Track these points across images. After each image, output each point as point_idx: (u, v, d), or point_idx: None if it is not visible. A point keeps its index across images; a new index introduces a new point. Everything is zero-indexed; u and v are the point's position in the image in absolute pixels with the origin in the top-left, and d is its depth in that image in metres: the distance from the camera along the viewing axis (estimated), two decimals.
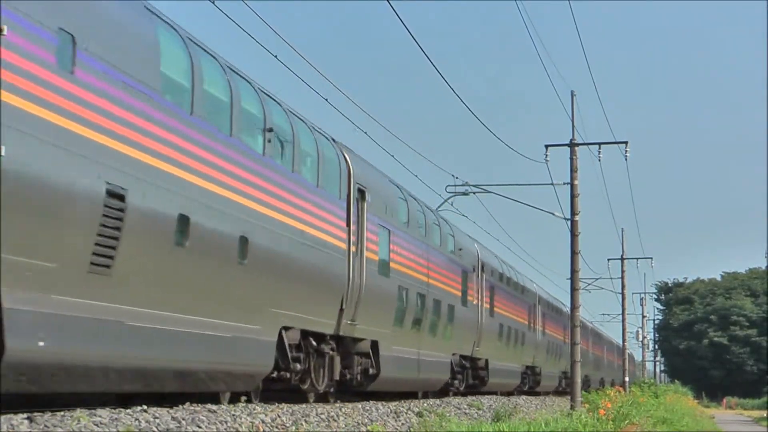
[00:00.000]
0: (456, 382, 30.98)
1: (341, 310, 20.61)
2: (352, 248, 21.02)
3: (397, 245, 24.11)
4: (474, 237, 36.61)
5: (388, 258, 23.55)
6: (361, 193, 21.82)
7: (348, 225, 20.90)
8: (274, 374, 18.30)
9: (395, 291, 23.90)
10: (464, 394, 34.18)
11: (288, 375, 18.60)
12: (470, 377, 33.26)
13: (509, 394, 41.94)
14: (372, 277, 22.17)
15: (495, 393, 39.21)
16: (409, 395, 27.96)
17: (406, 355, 25.11)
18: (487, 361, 34.87)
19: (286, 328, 18.24)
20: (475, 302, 32.57)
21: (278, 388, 19.80)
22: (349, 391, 23.05)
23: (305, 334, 19.32)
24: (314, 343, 19.74)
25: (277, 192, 17.36)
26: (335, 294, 20.21)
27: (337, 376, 21.21)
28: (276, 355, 18.00)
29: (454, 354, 30.36)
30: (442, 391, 31.35)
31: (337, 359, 21.26)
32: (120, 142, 12.53)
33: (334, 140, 21.36)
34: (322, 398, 21.58)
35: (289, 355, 18.26)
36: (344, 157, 21.28)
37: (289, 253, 17.76)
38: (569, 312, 59.50)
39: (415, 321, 25.98)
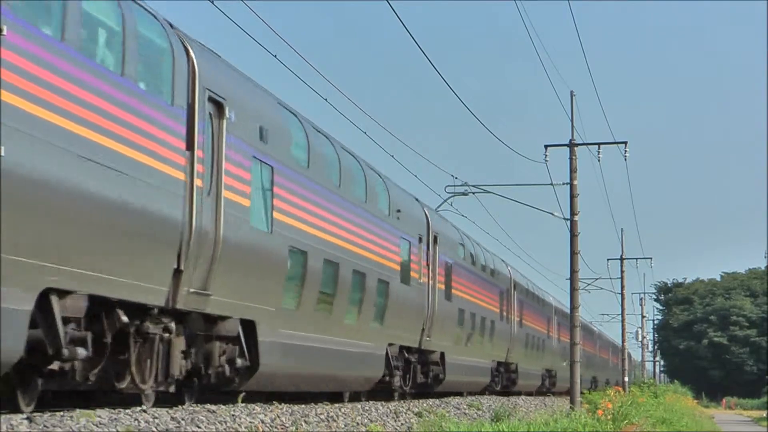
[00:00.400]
0: (396, 379, 24.07)
1: (178, 271, 13.72)
2: (198, 183, 14.12)
3: (287, 190, 17.15)
4: (437, 211, 29.70)
5: (270, 205, 16.54)
6: (218, 106, 14.87)
7: (191, 148, 14.05)
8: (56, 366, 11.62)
9: (283, 252, 16.87)
10: (415, 396, 27.39)
11: (67, 366, 11.82)
12: (419, 374, 26.36)
13: (478, 394, 35.02)
14: (238, 228, 15.15)
15: (459, 394, 32.34)
16: (324, 396, 21.22)
17: (306, 342, 18.18)
18: (443, 354, 27.95)
19: (59, 293, 11.44)
20: (422, 281, 25.63)
21: (81, 389, 13.14)
22: (213, 390, 16.29)
23: (105, 304, 12.52)
24: (124, 318, 12.90)
25: (17, 62, 10.50)
26: (162, 246, 13.05)
27: (177, 371, 14.32)
28: (40, 334, 11.23)
29: (391, 344, 23.44)
30: (386, 393, 24.58)
31: (179, 345, 14.38)
32: None
33: (171, 26, 14.46)
34: (174, 401, 14.82)
35: (62, 334, 11.44)
36: (185, 48, 14.28)
37: (52, 169, 10.89)
38: (552, 302, 52.76)
39: (323, 298, 19.09)
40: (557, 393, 51.87)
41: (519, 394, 41.12)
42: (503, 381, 37.63)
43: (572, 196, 31.45)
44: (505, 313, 36.72)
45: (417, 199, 26.51)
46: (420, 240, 25.39)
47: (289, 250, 17.08)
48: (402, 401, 22.78)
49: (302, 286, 17.74)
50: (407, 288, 24.07)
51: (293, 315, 17.50)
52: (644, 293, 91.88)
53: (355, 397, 22.73)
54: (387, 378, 23.41)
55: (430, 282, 26.16)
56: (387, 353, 23.04)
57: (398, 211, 23.54)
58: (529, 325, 42.14)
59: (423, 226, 25.88)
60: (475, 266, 32.04)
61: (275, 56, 17.72)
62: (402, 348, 24.48)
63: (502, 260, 38.98)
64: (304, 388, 18.90)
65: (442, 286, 27.39)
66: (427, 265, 25.98)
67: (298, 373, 17.99)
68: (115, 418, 11.10)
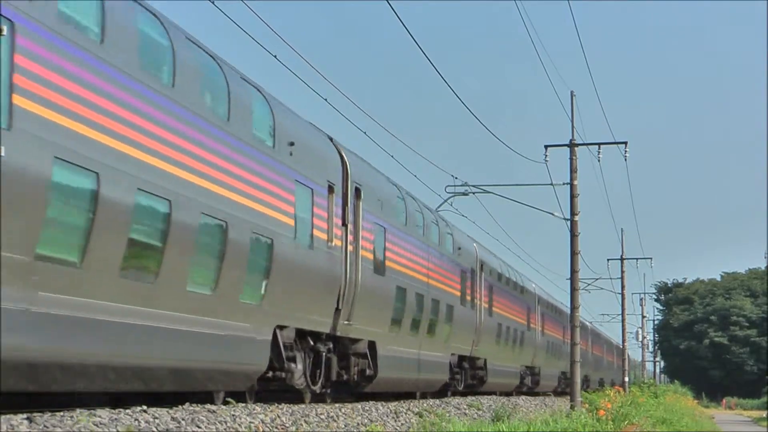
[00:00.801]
0: (296, 375, 17.53)
1: None
2: None
3: (44, 63, 10.50)
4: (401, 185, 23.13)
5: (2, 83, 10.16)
6: None
7: None
8: None
9: (27, 163, 10.02)
10: (337, 398, 20.87)
11: None
12: (334, 369, 19.74)
13: (436, 396, 28.49)
14: None
15: (410, 395, 25.83)
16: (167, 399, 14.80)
17: (101, 314, 11.64)
18: (372, 344, 21.39)
19: None
20: (335, 244, 18.97)
21: None
22: None
23: None
24: None
25: None
26: None
27: None
28: None
29: (283, 327, 16.63)
30: (296, 394, 18.18)
31: None
32: None
33: None
34: None
35: None
36: None
37: None
38: (535, 290, 45.99)
39: (139, 250, 12.48)
40: (540, 393, 45.39)
41: (491, 393, 34.51)
42: (467, 379, 30.91)
43: (572, 197, 30.59)
44: (468, 298, 29.98)
45: (331, 139, 19.91)
46: (331, 190, 18.76)
47: (54, 161, 10.55)
48: (402, 401, 21.42)
49: (88, 226, 11.18)
50: (308, 251, 17.46)
51: (66, 270, 10.92)
52: (644, 293, 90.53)
53: (238, 398, 16.24)
54: (282, 374, 16.89)
55: (350, 248, 19.54)
56: (277, 338, 16.49)
57: (291, 144, 16.94)
58: (503, 313, 35.33)
59: (337, 173, 19.24)
60: (424, 235, 25.45)
61: (275, 56, 17.09)
62: (304, 333, 17.91)
63: (468, 236, 32.41)
64: (100, 387, 12.27)
65: (370, 255, 20.74)
66: (345, 225, 19.40)
67: (80, 363, 11.43)
68: (116, 418, 10.75)
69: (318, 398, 19.20)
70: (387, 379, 21.82)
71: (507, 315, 35.98)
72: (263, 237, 15.49)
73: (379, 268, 21.27)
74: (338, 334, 19.15)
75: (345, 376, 20.02)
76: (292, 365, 16.97)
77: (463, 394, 30.46)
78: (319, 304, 18.01)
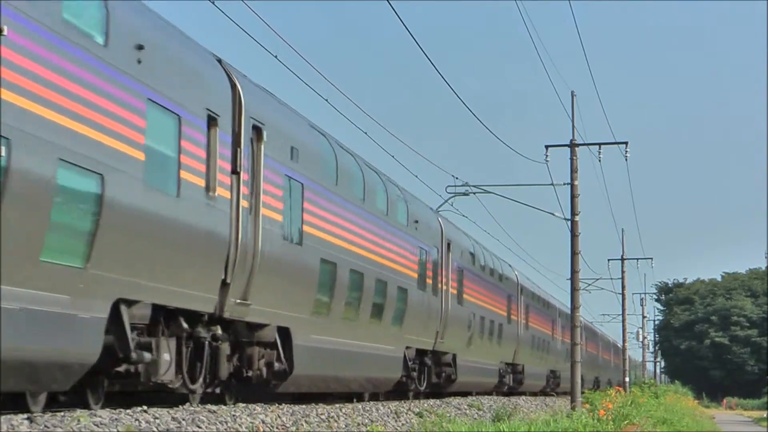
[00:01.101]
0: (162, 369, 12.77)
1: None
2: None
3: None
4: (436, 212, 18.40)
5: None
6: None
7: None
8: None
9: None
10: (252, 398, 16.18)
11: None
12: (224, 363, 14.92)
13: (391, 398, 23.75)
14: None
15: (355, 396, 21.12)
16: None
17: None
18: (286, 332, 16.56)
19: None
20: (221, 196, 13.63)
21: None
22: None
23: None
24: None
25: None
26: None
27: None
28: None
29: (131, 303, 12.04)
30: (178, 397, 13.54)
31: None
32: None
33: None
34: None
35: None
36: None
37: None
38: (517, 279, 41.03)
39: None
40: (526, 393, 40.59)
41: (463, 394, 29.75)
42: (431, 377, 26.07)
43: (573, 197, 30.48)
44: (429, 281, 25.05)
45: (220, 61, 15.11)
46: (213, 122, 13.95)
47: None
48: (403, 401, 21.30)
49: None
50: (170, 199, 12.57)
51: None
52: (645, 293, 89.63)
53: (78, 401, 11.61)
54: (133, 367, 12.18)
55: (243, 203, 14.56)
56: (120, 317, 11.77)
57: (139, 48, 12.12)
58: (476, 302, 30.39)
59: (224, 102, 14.19)
60: (365, 201, 20.65)
61: (275, 56, 16.92)
62: (174, 314, 13.17)
63: (432, 209, 27.66)
64: None
65: (277, 216, 15.76)
66: (236, 172, 14.55)
67: None
68: (116, 418, 10.63)
69: (211, 399, 14.51)
70: (308, 376, 17.04)
71: (482, 304, 31.08)
72: (84, 169, 10.74)
73: (294, 234, 16.49)
74: (228, 316, 14.36)
75: (247, 372, 15.26)
76: (146, 355, 12.20)
77: (428, 396, 25.71)
78: (191, 273, 13.20)
